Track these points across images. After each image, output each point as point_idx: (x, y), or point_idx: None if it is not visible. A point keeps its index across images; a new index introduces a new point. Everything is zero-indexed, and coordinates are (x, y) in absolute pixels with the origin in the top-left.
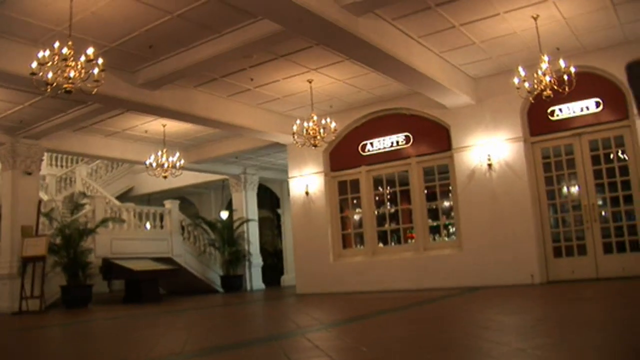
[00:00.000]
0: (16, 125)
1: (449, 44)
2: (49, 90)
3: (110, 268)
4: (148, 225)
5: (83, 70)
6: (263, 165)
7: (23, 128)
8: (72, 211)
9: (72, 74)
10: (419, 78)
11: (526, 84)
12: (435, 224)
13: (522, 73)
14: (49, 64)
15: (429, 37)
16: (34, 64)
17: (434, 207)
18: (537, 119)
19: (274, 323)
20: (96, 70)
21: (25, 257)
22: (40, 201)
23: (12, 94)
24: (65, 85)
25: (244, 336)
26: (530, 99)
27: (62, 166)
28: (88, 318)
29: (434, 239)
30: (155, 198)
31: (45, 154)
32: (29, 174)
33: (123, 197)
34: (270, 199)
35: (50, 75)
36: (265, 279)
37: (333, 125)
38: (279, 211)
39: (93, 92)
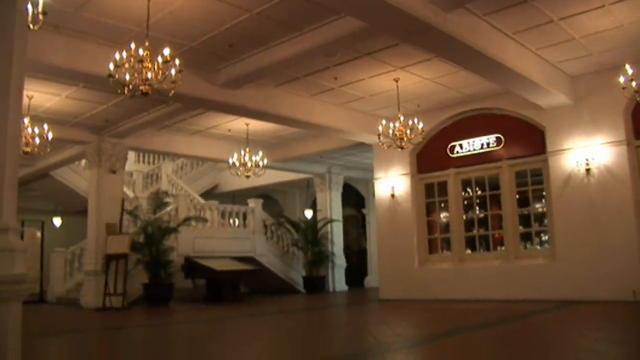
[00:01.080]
0: (101, 124)
1: (546, 40)
2: (126, 92)
3: (192, 267)
4: (233, 221)
5: (160, 71)
6: (348, 165)
7: (108, 127)
8: (155, 210)
9: (149, 75)
10: (512, 77)
11: (633, 83)
12: (526, 231)
13: (630, 71)
14: (126, 66)
15: (524, 32)
16: (111, 66)
17: (526, 213)
18: None
19: (352, 337)
20: (173, 71)
21: (109, 255)
22: (124, 199)
23: (96, 94)
24: (141, 87)
25: (317, 353)
26: (638, 98)
27: (148, 163)
28: (168, 320)
29: (525, 246)
30: (240, 195)
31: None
32: (114, 172)
33: (208, 194)
34: (356, 198)
35: (127, 77)
36: (348, 279)
37: (421, 126)
38: (364, 211)
39: (170, 94)
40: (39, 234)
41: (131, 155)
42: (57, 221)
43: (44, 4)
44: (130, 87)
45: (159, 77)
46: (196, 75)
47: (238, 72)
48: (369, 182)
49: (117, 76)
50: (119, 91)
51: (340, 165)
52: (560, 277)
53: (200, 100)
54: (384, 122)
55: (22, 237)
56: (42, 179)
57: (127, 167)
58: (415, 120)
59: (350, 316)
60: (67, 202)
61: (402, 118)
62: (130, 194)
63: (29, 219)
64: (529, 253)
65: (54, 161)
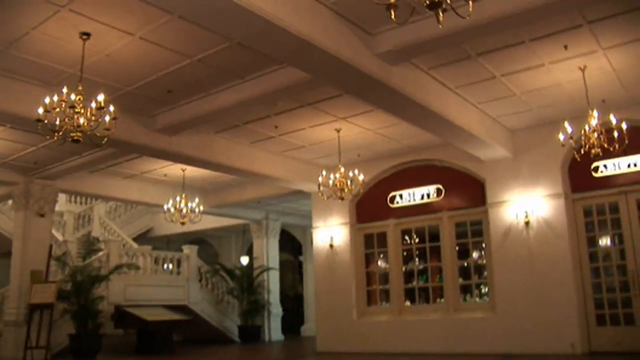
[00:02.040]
0: (30, 165)
1: (487, 95)
2: (56, 137)
3: (123, 316)
4: (167, 266)
5: (93, 118)
6: (286, 211)
7: (37, 169)
8: (85, 256)
9: (81, 121)
10: (453, 130)
11: (571, 141)
12: (466, 283)
13: (569, 129)
14: (57, 110)
15: (467, 87)
16: (40, 110)
17: (466, 264)
18: (579, 175)
19: None
20: (107, 118)
21: (33, 304)
22: (51, 245)
23: (24, 135)
24: (72, 135)
25: None
26: (577, 155)
27: (80, 203)
28: None
29: (465, 299)
30: (175, 240)
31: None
32: (42, 215)
33: (142, 237)
34: (292, 244)
35: (57, 122)
36: (284, 327)
37: (361, 177)
38: (301, 258)
39: (103, 142)
40: None
41: (62, 194)
42: None
43: None
44: (61, 133)
45: (92, 123)
46: (132, 119)
47: (175, 118)
48: (307, 229)
49: (46, 121)
50: (48, 137)
51: (278, 212)
52: (499, 330)
53: (135, 145)
54: (324, 172)
55: None
56: None
57: (57, 207)
58: (356, 172)
59: None
60: None
61: (342, 169)
62: (60, 237)
63: None
64: (468, 305)
65: None
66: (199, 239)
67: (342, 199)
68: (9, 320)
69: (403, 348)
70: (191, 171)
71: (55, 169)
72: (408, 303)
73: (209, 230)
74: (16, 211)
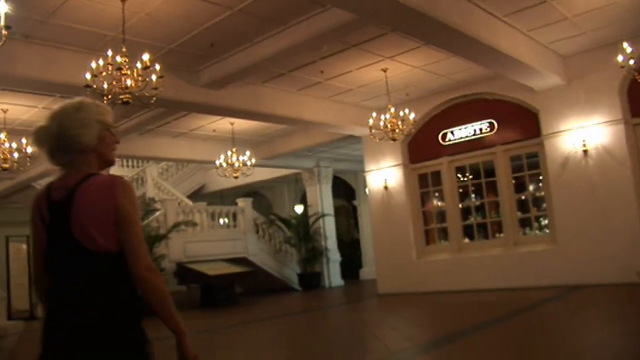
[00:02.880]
0: None
1: (537, 21)
2: (105, 101)
3: (185, 273)
4: (223, 221)
5: (140, 78)
6: (337, 157)
7: None
8: (143, 217)
9: (128, 83)
10: (504, 60)
11: (631, 61)
12: (525, 216)
13: (629, 49)
14: (104, 74)
15: (516, 14)
16: (88, 75)
17: (523, 198)
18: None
19: (359, 344)
20: (154, 77)
21: None
22: None
23: None
24: (121, 96)
25: None
26: (638, 77)
27: (132, 167)
28: (160, 333)
29: (524, 232)
30: (228, 195)
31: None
32: None
33: (195, 195)
34: (345, 190)
35: (105, 85)
36: (343, 272)
37: (412, 116)
38: (355, 202)
39: (152, 101)
40: (24, 248)
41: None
42: None
43: (6, 18)
44: (110, 96)
45: (139, 84)
46: (177, 77)
47: (220, 72)
48: (359, 173)
49: (94, 86)
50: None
51: (329, 158)
52: (562, 262)
53: (182, 103)
54: (374, 114)
55: (7, 253)
56: (25, 190)
57: (111, 171)
58: (407, 111)
59: (352, 317)
60: None
61: (392, 109)
62: None
63: (14, 234)
64: (528, 239)
65: (36, 173)
66: (252, 192)
67: (394, 139)
68: None
69: (463, 285)
70: (240, 124)
71: None
72: (467, 240)
73: (262, 182)
74: None
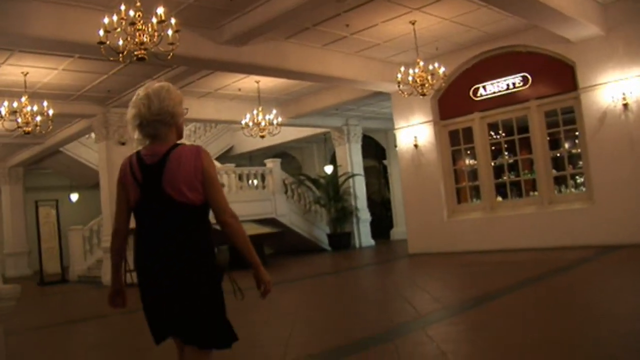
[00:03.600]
0: (105, 95)
1: None
2: (120, 59)
3: (213, 234)
4: (252, 182)
5: (155, 33)
6: (366, 115)
7: (112, 97)
8: None
9: (144, 39)
10: (539, 8)
11: None
12: (560, 174)
13: None
14: (118, 30)
15: None
16: (101, 32)
17: (558, 155)
18: None
19: (388, 307)
20: (170, 32)
21: None
22: None
23: (94, 64)
24: (136, 52)
25: (354, 333)
26: None
27: None
28: None
29: (560, 190)
30: (257, 155)
31: None
32: (123, 143)
33: (223, 156)
34: (375, 149)
35: (120, 42)
36: (373, 232)
37: (442, 70)
38: (385, 162)
39: (169, 57)
40: (53, 212)
41: None
42: (74, 197)
43: None
44: (125, 53)
45: (155, 39)
46: (198, 34)
47: (242, 26)
48: (389, 132)
49: (108, 42)
50: (112, 59)
51: (358, 117)
52: (598, 221)
53: (204, 60)
54: (402, 68)
55: (37, 217)
56: (53, 155)
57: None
58: (436, 65)
59: (382, 278)
60: (81, 177)
61: (421, 63)
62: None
63: (44, 198)
64: (563, 197)
65: (63, 137)
66: (281, 153)
67: (424, 94)
68: (106, 247)
69: (497, 245)
70: (265, 83)
71: (128, 95)
72: (500, 198)
73: (290, 142)
74: (98, 142)
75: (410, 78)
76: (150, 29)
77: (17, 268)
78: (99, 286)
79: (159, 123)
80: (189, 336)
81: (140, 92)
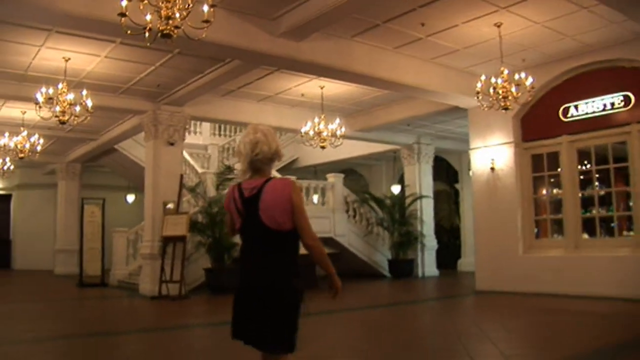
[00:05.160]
0: (155, 90)
1: None
2: (147, 34)
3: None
4: (315, 199)
5: (187, 8)
6: (439, 134)
7: (163, 93)
8: (218, 186)
9: (172, 14)
10: None
11: None
12: None
13: None
14: (145, 2)
15: None
16: (124, 2)
17: None
18: None
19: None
20: (205, 7)
21: (166, 237)
22: (182, 175)
23: (139, 52)
24: (161, 27)
25: None
26: None
27: (224, 135)
28: (220, 316)
29: None
30: (322, 170)
31: (209, 123)
32: (172, 144)
33: (286, 168)
34: (447, 172)
35: (148, 17)
36: (439, 260)
37: (530, 81)
38: (457, 186)
39: (203, 35)
40: (99, 211)
41: (206, 127)
42: (131, 198)
43: None
44: (149, 28)
45: (184, 13)
46: (251, 23)
47: (300, 17)
48: (463, 154)
49: (127, 14)
50: (129, 32)
51: (431, 135)
52: None
53: (257, 53)
54: (483, 77)
55: (81, 216)
56: (110, 154)
57: (202, 141)
58: (523, 75)
59: (443, 318)
60: (137, 178)
61: (506, 72)
62: (200, 169)
63: (98, 197)
64: None
65: (116, 134)
66: (348, 169)
67: (507, 108)
68: (144, 254)
69: (578, 289)
70: (330, 89)
71: (180, 92)
72: (586, 236)
73: (357, 158)
74: (146, 141)
75: (491, 90)
76: (180, 2)
77: (66, 265)
78: (133, 294)
79: (270, 161)
80: (263, 345)
81: (256, 131)
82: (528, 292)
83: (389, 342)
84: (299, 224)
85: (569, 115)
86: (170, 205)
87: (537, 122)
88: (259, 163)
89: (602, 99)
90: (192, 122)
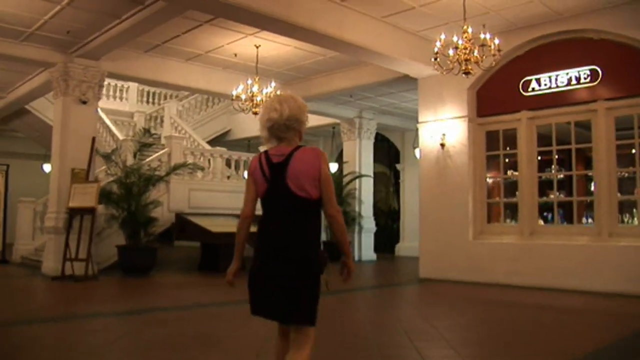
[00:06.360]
0: (65, 38)
1: None
2: None
3: (184, 226)
4: (246, 175)
5: None
6: (383, 108)
7: (76, 43)
8: (135, 153)
9: None
10: None
11: None
12: (626, 198)
13: None
14: None
15: None
16: None
17: (627, 175)
18: None
19: None
20: None
21: (72, 208)
22: (94, 138)
23: None
24: None
25: None
26: None
27: (152, 103)
28: (126, 304)
29: (623, 220)
30: (256, 143)
31: (136, 86)
32: (84, 102)
33: (218, 141)
34: (388, 152)
35: None
36: (376, 244)
37: (496, 42)
38: (399, 167)
39: None
40: (0, 179)
41: (133, 93)
42: (48, 167)
43: None
44: None
45: None
46: None
47: None
48: (406, 132)
49: None
50: None
51: (374, 109)
52: None
53: None
54: (442, 36)
55: None
56: (21, 116)
57: (128, 108)
58: (488, 35)
59: (386, 311)
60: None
61: (470, 30)
62: (121, 136)
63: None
64: (630, 229)
65: (25, 91)
66: None
67: (468, 73)
68: (48, 227)
69: (534, 280)
70: (267, 50)
71: (95, 42)
72: (542, 222)
73: None
74: (55, 98)
75: (451, 52)
76: None
77: None
78: (35, 273)
79: (287, 127)
80: (286, 317)
81: (273, 99)
82: (478, 282)
83: (327, 341)
84: (325, 193)
85: (529, 89)
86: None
87: (494, 95)
88: (275, 131)
89: (567, 73)
90: (118, 87)
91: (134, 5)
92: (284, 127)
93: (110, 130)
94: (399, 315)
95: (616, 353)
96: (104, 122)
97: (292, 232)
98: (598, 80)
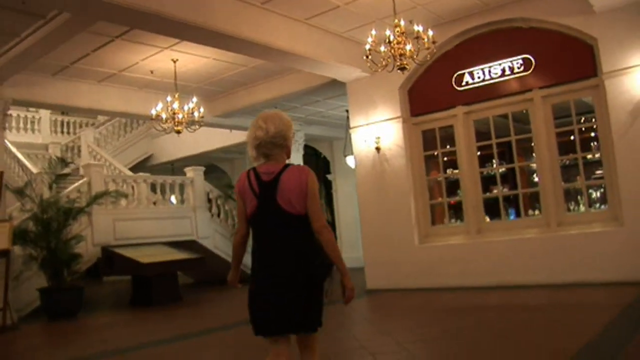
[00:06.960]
0: None
1: None
2: None
3: (111, 260)
4: (173, 200)
5: None
6: (310, 118)
7: None
8: (51, 185)
9: None
10: None
11: None
12: (571, 186)
13: None
14: None
15: None
16: None
17: (569, 163)
18: None
19: None
20: None
21: None
22: (2, 172)
23: None
24: None
25: None
26: None
27: (67, 132)
28: (58, 355)
29: (570, 208)
30: (180, 167)
31: (49, 116)
32: None
33: (141, 166)
34: (317, 162)
35: None
36: None
37: (430, 33)
38: (330, 177)
39: None
40: None
41: (46, 123)
42: None
43: None
44: None
45: None
46: None
47: None
48: (335, 141)
49: None
50: None
51: (300, 120)
52: (628, 248)
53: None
54: (373, 32)
55: None
56: None
57: (41, 140)
58: (421, 28)
59: (343, 328)
60: None
61: (402, 22)
62: (35, 170)
63: None
64: (577, 217)
65: None
66: (208, 165)
67: (404, 68)
68: None
69: (487, 280)
70: (185, 63)
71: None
72: (488, 219)
73: (218, 151)
74: None
75: (382, 48)
76: None
77: None
78: None
79: (273, 145)
80: (296, 328)
81: (258, 117)
82: (429, 288)
83: None
84: (311, 208)
85: (463, 83)
86: None
87: (427, 93)
88: (262, 148)
89: (500, 64)
90: (29, 118)
91: (35, 19)
92: (270, 144)
93: (22, 164)
94: (355, 334)
95: (607, 346)
96: (15, 156)
97: (285, 246)
98: (532, 69)
